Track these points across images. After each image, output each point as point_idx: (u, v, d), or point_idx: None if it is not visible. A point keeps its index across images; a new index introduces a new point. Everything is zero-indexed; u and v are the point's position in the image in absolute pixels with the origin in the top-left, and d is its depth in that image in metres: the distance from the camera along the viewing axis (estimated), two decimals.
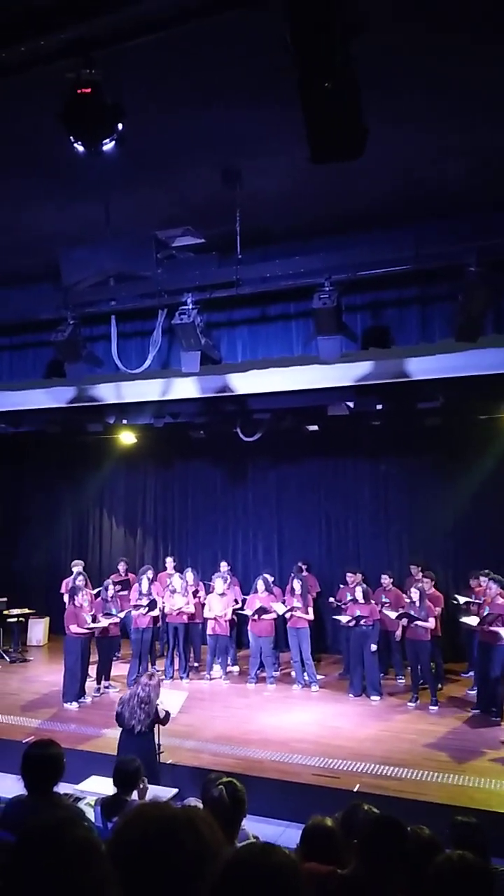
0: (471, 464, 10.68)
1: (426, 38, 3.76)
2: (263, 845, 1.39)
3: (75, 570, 10.02)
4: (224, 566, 11.16)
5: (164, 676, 9.74)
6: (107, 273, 6.23)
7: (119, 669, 10.18)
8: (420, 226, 5.69)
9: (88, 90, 3.39)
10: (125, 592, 10.50)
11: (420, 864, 2.37)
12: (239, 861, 1.32)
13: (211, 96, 4.24)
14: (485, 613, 8.31)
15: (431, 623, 8.75)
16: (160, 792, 4.79)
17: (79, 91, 3.40)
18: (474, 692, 8.94)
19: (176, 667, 10.21)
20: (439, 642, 9.36)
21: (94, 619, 9.19)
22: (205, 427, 11.02)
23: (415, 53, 3.87)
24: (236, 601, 10.42)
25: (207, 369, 6.97)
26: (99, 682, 9.52)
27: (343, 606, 9.70)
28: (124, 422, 10.37)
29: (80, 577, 9.59)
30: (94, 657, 9.46)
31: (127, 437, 12.04)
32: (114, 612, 9.48)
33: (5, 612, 11.85)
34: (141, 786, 4.25)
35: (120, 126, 3.56)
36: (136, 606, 9.73)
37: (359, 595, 9.33)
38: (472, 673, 9.53)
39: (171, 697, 6.37)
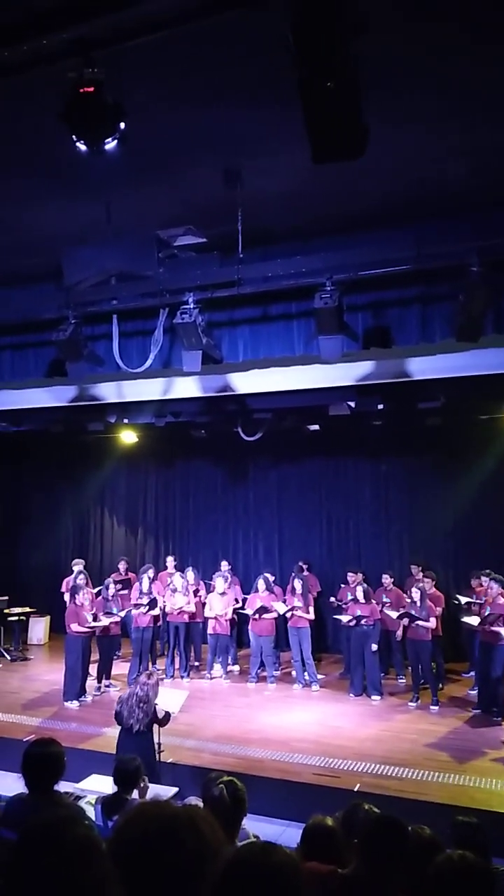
0: (471, 464, 10.67)
1: (427, 38, 3.76)
2: (264, 844, 1.39)
3: (76, 568, 10.03)
4: (225, 565, 11.15)
5: (164, 675, 9.77)
6: (108, 272, 6.24)
7: (119, 668, 10.18)
8: (421, 226, 5.69)
9: (91, 89, 3.40)
10: (126, 591, 10.50)
11: (421, 863, 2.36)
12: (239, 860, 1.32)
13: (212, 96, 4.24)
14: (486, 613, 8.31)
15: (432, 623, 8.75)
16: (161, 791, 4.79)
17: (81, 90, 3.41)
18: (475, 692, 8.93)
19: (176, 666, 10.20)
20: (440, 642, 9.35)
21: (95, 618, 9.19)
22: (206, 426, 11.01)
23: (415, 54, 3.87)
24: (237, 600, 10.41)
25: (209, 369, 6.97)
26: (99, 681, 9.52)
27: (344, 606, 9.69)
28: (125, 421, 10.36)
29: (81, 576, 9.60)
30: (95, 656, 9.46)
31: (128, 437, 12.03)
32: (114, 611, 9.47)
33: (6, 611, 11.86)
34: (142, 784, 4.25)
35: (122, 125, 3.57)
36: (137, 605, 9.73)
37: (359, 595, 9.32)
38: (473, 673, 9.52)
39: (171, 697, 6.38)
